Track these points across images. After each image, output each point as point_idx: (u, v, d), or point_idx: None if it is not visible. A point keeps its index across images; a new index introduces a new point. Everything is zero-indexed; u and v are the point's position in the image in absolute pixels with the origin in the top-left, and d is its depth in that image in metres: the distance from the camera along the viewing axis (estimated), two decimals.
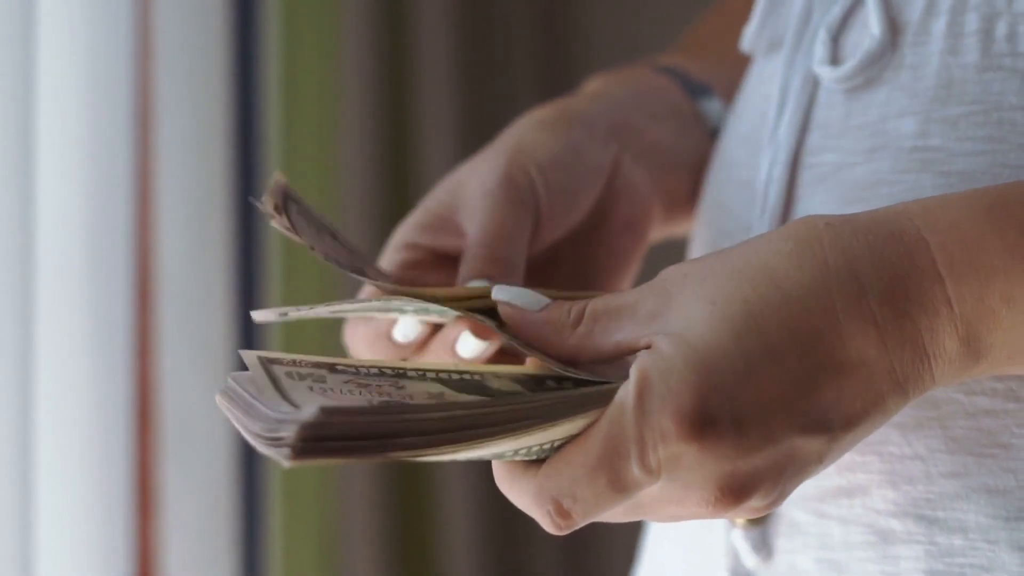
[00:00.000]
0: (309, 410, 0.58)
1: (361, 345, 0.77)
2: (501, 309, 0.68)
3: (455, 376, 0.66)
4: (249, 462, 1.57)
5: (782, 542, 0.75)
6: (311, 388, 0.62)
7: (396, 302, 0.71)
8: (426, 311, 0.72)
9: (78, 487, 1.31)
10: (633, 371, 0.62)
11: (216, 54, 1.51)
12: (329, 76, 1.75)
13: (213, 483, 1.51)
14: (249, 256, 1.57)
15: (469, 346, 0.73)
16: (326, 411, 0.58)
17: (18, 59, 1.25)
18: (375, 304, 0.71)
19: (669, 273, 0.66)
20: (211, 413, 1.48)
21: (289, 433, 0.58)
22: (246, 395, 0.62)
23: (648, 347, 0.63)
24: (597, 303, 0.66)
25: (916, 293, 0.63)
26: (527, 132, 0.80)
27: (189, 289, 1.46)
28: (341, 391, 0.64)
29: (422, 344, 0.76)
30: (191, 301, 1.47)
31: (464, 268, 0.77)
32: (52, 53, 1.27)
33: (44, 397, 1.27)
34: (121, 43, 1.35)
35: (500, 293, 0.68)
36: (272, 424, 0.59)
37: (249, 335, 1.58)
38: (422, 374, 0.66)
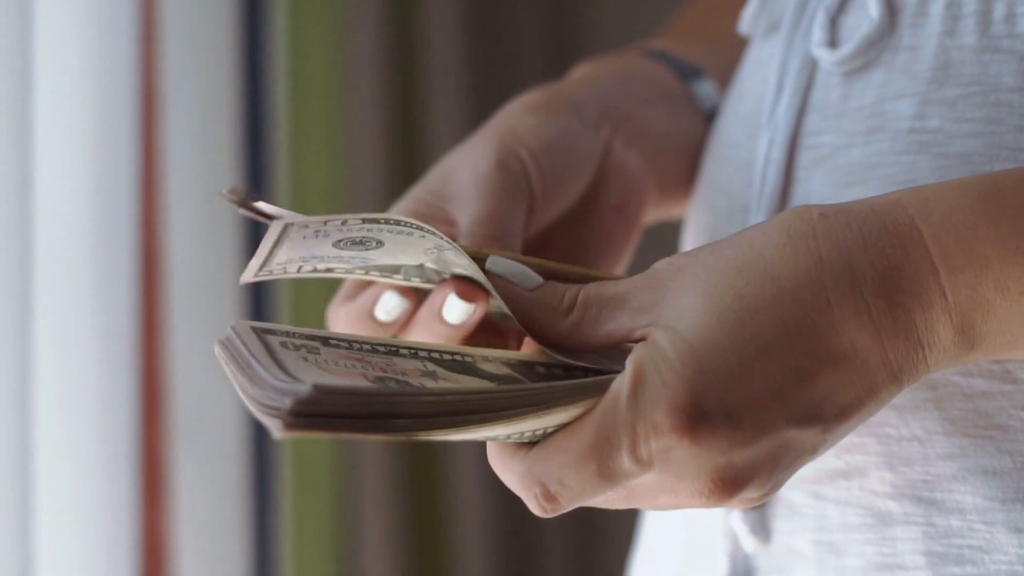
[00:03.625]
0: (303, 385, 0.58)
1: (344, 324, 0.77)
2: (494, 282, 0.68)
3: (446, 356, 0.66)
4: (260, 452, 1.57)
5: (780, 524, 0.76)
6: (305, 359, 0.62)
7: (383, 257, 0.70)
8: (420, 268, 0.72)
9: (84, 476, 1.31)
10: (629, 363, 0.63)
11: (224, 46, 1.51)
12: (337, 71, 1.75)
13: (223, 473, 1.51)
14: (256, 242, 1.57)
15: (456, 310, 0.73)
16: (319, 388, 0.58)
17: (20, 52, 1.25)
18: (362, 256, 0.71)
19: (663, 265, 0.66)
20: (221, 401, 1.48)
21: (283, 405, 0.58)
22: (245, 351, 0.62)
23: (643, 339, 0.63)
24: (590, 291, 0.66)
25: (910, 284, 0.63)
26: (517, 117, 0.80)
27: (197, 275, 1.46)
28: (337, 363, 0.64)
29: (405, 324, 0.75)
30: (199, 288, 1.47)
31: None
32: (55, 46, 1.27)
33: (49, 385, 1.27)
34: (126, 33, 1.35)
35: (495, 265, 0.68)
36: (269, 392, 0.60)
37: (258, 321, 1.58)
38: (414, 352, 0.66)
